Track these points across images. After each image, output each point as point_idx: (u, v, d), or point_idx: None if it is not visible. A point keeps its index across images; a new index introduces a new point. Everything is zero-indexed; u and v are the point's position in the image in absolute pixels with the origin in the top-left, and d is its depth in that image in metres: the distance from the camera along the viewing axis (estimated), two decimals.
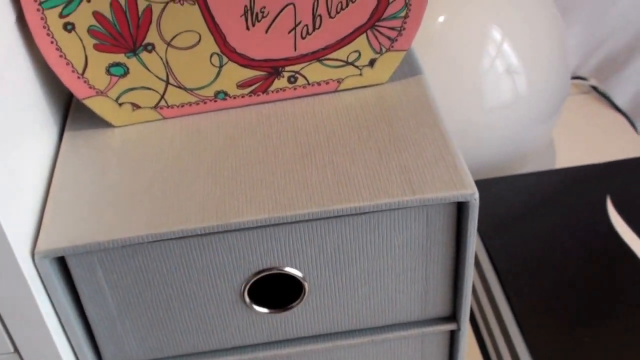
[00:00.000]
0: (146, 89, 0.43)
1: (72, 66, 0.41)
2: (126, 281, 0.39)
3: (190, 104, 0.44)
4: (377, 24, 0.43)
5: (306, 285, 0.41)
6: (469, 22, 0.67)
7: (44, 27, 0.40)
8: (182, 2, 0.40)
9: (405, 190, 0.38)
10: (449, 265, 0.42)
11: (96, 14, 0.40)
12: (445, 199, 0.38)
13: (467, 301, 0.43)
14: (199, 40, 0.42)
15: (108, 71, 0.42)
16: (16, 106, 0.38)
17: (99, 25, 0.40)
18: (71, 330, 0.40)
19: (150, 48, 0.41)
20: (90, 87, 0.42)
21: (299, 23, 0.42)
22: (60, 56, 0.41)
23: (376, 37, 0.43)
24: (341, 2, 0.41)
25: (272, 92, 0.45)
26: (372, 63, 0.44)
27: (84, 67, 0.41)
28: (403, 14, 0.42)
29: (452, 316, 0.44)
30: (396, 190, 0.38)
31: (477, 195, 0.38)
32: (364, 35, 0.43)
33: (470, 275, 0.41)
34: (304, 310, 0.42)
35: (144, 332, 0.42)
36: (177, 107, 0.44)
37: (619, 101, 0.94)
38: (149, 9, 0.40)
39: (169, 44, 0.41)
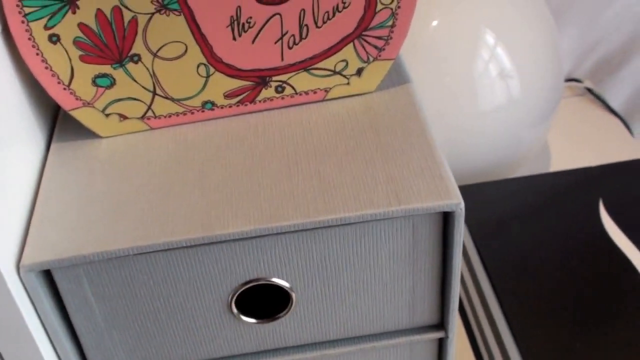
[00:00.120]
0: (133, 100, 0.43)
1: (58, 77, 0.41)
2: (113, 293, 0.39)
3: (177, 114, 0.44)
4: (364, 33, 0.43)
5: (293, 295, 0.41)
6: (462, 26, 0.67)
7: (29, 38, 0.40)
8: (167, 13, 0.40)
9: (391, 201, 0.38)
10: (435, 274, 0.42)
11: (81, 26, 0.40)
12: (430, 209, 0.38)
13: (455, 309, 0.43)
14: (186, 51, 0.42)
15: (94, 82, 0.42)
16: (2, 117, 0.38)
17: (85, 37, 0.40)
18: (59, 343, 0.40)
19: (137, 59, 0.41)
20: (76, 99, 0.42)
21: (286, 33, 0.42)
22: (46, 68, 0.41)
23: (363, 47, 0.43)
24: (328, 12, 0.41)
25: (260, 101, 0.45)
26: (359, 72, 0.44)
27: (70, 78, 0.41)
28: (390, 23, 0.42)
29: (440, 324, 0.44)
30: (382, 200, 0.38)
31: (462, 205, 0.38)
32: (351, 44, 0.43)
33: (457, 284, 0.41)
34: (291, 320, 0.42)
35: (132, 343, 0.42)
36: (165, 117, 0.44)
37: (614, 103, 0.93)
38: (134, 20, 0.40)
39: (155, 55, 0.41)
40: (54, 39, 0.40)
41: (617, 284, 0.57)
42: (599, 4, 0.89)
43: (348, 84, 0.45)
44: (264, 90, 0.44)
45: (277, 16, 0.41)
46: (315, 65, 0.44)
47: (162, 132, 0.44)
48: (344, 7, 0.41)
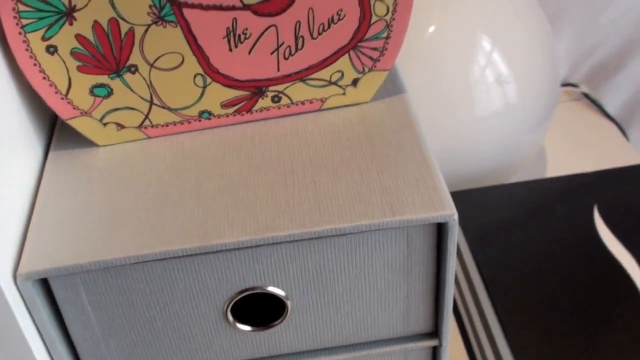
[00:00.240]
0: (130, 109, 0.43)
1: (56, 87, 0.42)
2: (110, 302, 0.40)
3: (174, 123, 0.44)
4: (359, 44, 0.43)
5: (289, 303, 0.41)
6: (458, 32, 0.67)
7: (27, 49, 0.40)
8: (164, 24, 0.40)
9: (386, 212, 0.39)
10: (429, 283, 0.42)
11: (79, 37, 0.40)
12: (424, 220, 0.38)
13: (448, 318, 0.43)
14: (182, 62, 0.42)
15: (92, 92, 0.42)
16: (0, 126, 0.38)
17: (82, 48, 0.40)
18: (55, 351, 0.40)
19: (134, 69, 0.42)
20: (74, 108, 0.43)
21: (282, 44, 0.42)
22: (44, 78, 0.41)
23: (358, 58, 0.44)
24: (323, 23, 0.42)
25: (256, 111, 0.45)
26: (355, 82, 0.45)
27: (67, 88, 0.42)
28: (385, 34, 0.43)
29: (434, 332, 0.45)
30: (377, 211, 0.39)
31: (456, 216, 0.38)
32: (347, 55, 0.43)
33: (450, 293, 0.42)
34: (287, 328, 0.43)
35: (129, 351, 0.42)
36: (162, 126, 0.44)
37: (610, 108, 0.94)
38: (131, 32, 0.40)
39: (152, 65, 0.42)
40: (52, 49, 0.40)
41: (611, 291, 0.58)
42: (595, 9, 0.89)
43: (344, 94, 0.45)
44: (260, 100, 0.44)
45: (273, 27, 0.41)
46: (311, 76, 0.44)
47: (159, 141, 0.45)
48: (339, 19, 0.42)
